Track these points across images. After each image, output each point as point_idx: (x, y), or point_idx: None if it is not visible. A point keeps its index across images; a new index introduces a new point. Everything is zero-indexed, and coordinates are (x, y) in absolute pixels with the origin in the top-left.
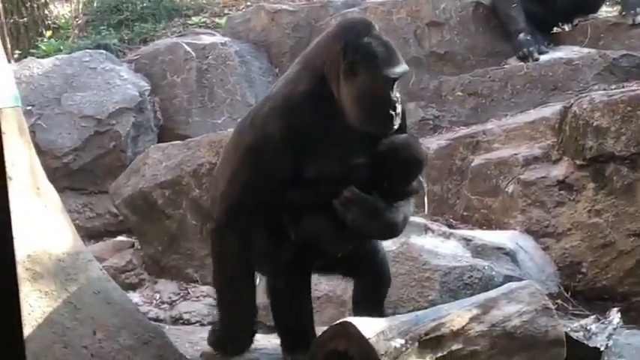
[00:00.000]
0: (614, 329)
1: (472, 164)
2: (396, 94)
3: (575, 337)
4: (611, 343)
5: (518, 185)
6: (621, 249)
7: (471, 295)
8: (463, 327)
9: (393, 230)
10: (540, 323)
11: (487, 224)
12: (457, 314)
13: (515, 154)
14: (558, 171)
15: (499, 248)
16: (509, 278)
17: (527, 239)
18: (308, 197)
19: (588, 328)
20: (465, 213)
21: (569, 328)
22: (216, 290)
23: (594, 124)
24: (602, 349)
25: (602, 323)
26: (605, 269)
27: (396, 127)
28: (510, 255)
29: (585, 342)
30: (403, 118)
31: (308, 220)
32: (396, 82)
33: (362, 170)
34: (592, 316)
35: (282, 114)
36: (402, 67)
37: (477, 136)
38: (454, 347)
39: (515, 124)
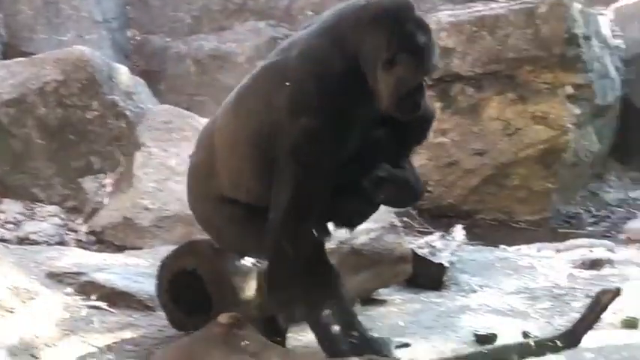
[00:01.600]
0: (458, 246)
1: None
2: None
3: (420, 254)
4: (455, 259)
5: None
6: (466, 168)
7: None
8: None
9: (419, 197)
10: (387, 240)
11: None
12: None
13: None
14: None
15: None
16: None
17: None
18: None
19: (433, 244)
20: None
21: (415, 245)
22: None
23: (441, 45)
24: (446, 264)
25: (447, 240)
26: (451, 188)
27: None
28: None
29: (430, 258)
30: None
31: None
32: None
33: (380, 143)
34: (437, 233)
35: (318, 96)
36: (437, 56)
37: None
38: None
39: None
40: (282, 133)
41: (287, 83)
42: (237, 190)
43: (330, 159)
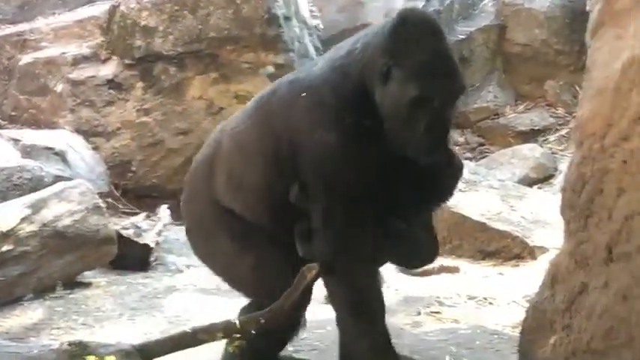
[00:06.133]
0: (164, 226)
1: (20, 63)
2: (441, 114)
3: (125, 235)
4: (161, 239)
5: (67, 84)
6: (170, 147)
7: (21, 195)
8: (13, 228)
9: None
10: (91, 222)
11: (36, 124)
12: (6, 216)
13: (64, 53)
14: (107, 70)
15: (48, 148)
16: (59, 178)
17: (77, 139)
18: None
19: (139, 225)
20: (13, 113)
21: (120, 226)
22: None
23: (142, 24)
24: (152, 245)
25: (153, 220)
26: (155, 167)
27: (435, 154)
28: (60, 155)
29: (135, 239)
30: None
31: None
32: (445, 101)
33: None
34: (142, 214)
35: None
36: (449, 85)
37: (24, 35)
38: (4, 248)
39: (63, 23)
40: (303, 150)
41: (303, 94)
42: (233, 198)
43: (356, 177)
